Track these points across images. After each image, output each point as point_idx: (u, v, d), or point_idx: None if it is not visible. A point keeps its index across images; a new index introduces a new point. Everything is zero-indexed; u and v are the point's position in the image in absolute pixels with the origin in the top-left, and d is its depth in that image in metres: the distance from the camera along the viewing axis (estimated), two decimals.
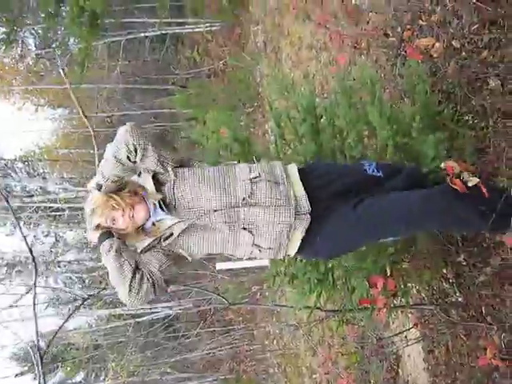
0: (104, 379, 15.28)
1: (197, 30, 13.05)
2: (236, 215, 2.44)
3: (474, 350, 3.48)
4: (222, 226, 2.45)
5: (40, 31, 14.26)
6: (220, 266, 3.38)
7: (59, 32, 13.58)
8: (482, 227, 2.62)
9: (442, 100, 3.44)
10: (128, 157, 2.39)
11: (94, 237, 2.50)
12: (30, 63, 17.60)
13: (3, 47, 12.70)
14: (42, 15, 11.36)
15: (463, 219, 2.50)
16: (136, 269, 2.38)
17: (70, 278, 16.55)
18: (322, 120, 3.29)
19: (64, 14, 11.40)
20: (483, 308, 3.30)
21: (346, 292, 3.59)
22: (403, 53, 3.82)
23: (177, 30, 13.35)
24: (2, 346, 14.47)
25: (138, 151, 2.39)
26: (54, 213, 15.31)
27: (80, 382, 17.58)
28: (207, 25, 12.69)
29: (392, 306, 3.59)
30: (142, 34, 13.00)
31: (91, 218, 2.47)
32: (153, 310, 11.71)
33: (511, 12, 2.91)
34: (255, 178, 2.47)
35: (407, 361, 4.85)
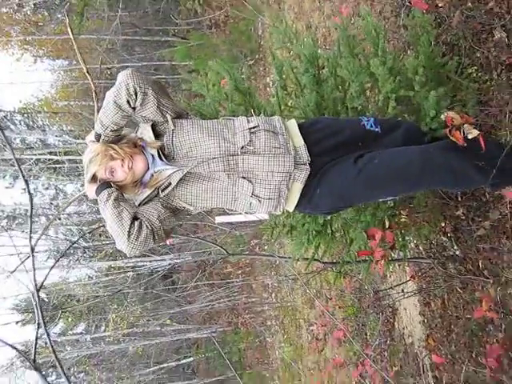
0: (105, 330, 15.53)
1: None
2: (235, 163, 2.44)
3: (469, 303, 3.53)
4: (220, 175, 2.45)
5: None
6: (219, 219, 3.40)
7: None
8: (482, 183, 2.62)
9: (446, 52, 3.38)
10: (128, 101, 2.36)
11: (91, 190, 2.50)
12: (29, 13, 17.32)
13: None
14: None
15: (462, 175, 2.50)
16: (135, 217, 2.38)
17: (71, 229, 16.63)
18: (324, 71, 3.24)
19: None
20: (480, 262, 3.33)
21: (344, 244, 3.61)
22: (408, 3, 3.74)
23: None
24: (4, 297, 14.62)
25: (138, 94, 2.36)
26: (53, 165, 15.29)
27: (81, 332, 17.86)
28: None
29: (390, 258, 3.61)
30: None
31: (89, 168, 2.47)
32: (152, 262, 11.83)
33: None
34: (254, 127, 2.48)
35: (403, 314, 4.92)
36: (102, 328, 15.89)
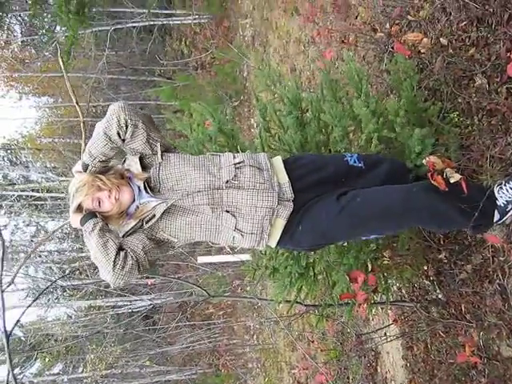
0: (82, 370, 15.20)
1: (185, 21, 13.02)
2: (219, 197, 2.45)
3: (452, 348, 3.50)
4: (204, 208, 2.46)
5: (26, 18, 14.12)
6: (201, 259, 3.37)
7: (46, 19, 13.47)
8: (464, 225, 2.62)
9: (428, 97, 3.43)
10: (118, 132, 2.39)
11: (76, 219, 2.49)
12: (16, 50, 17.42)
13: None
14: (29, 2, 11.23)
15: (444, 217, 2.50)
16: (120, 248, 2.38)
17: (51, 268, 16.41)
18: (307, 114, 3.27)
19: (51, 1, 11.30)
20: (463, 306, 3.31)
21: (326, 287, 3.58)
22: (391, 48, 3.81)
23: (165, 22, 13.28)
24: None
25: (129, 127, 2.39)
26: (36, 202, 15.18)
27: (58, 373, 17.47)
28: (195, 17, 12.65)
29: (372, 302, 3.59)
30: (130, 25, 12.92)
31: (75, 197, 2.47)
32: (132, 302, 11.68)
33: (499, 10, 2.90)
34: (239, 163, 2.50)
35: (386, 357, 4.87)
36: (80, 369, 15.55)
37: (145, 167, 2.53)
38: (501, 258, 2.96)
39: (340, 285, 3.28)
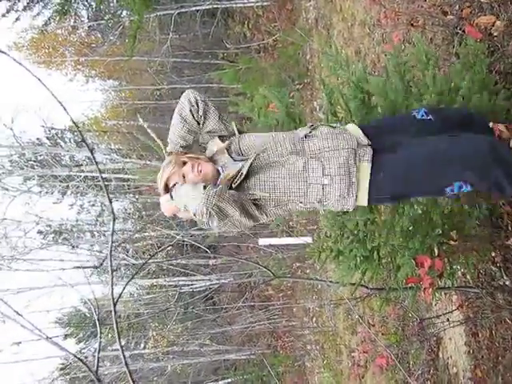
0: (144, 347, 15.63)
1: (248, 4, 13.01)
2: (301, 147, 2.53)
3: None
4: (290, 158, 2.51)
5: (93, 3, 14.44)
6: (263, 241, 3.43)
7: (112, 4, 13.74)
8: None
9: (498, 80, 3.36)
10: (191, 110, 2.53)
11: (165, 201, 2.59)
12: (83, 35, 17.85)
13: (57, 18, 12.93)
14: None
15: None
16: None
17: (114, 247, 16.83)
18: (373, 97, 3.27)
19: None
20: None
21: (390, 270, 3.59)
22: (461, 31, 3.74)
23: (228, 5, 13.31)
24: (48, 310, 14.87)
25: (200, 104, 2.54)
26: (100, 183, 15.57)
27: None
28: (258, 0, 12.63)
29: (437, 287, 3.57)
30: (194, 8, 13.03)
31: (162, 176, 2.59)
32: (193, 282, 11.91)
33: None
34: (312, 125, 2.65)
35: (448, 343, 4.83)
36: (142, 345, 15.99)
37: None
38: None
39: (405, 269, 3.28)
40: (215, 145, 2.64)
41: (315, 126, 2.61)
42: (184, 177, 2.54)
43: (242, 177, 2.47)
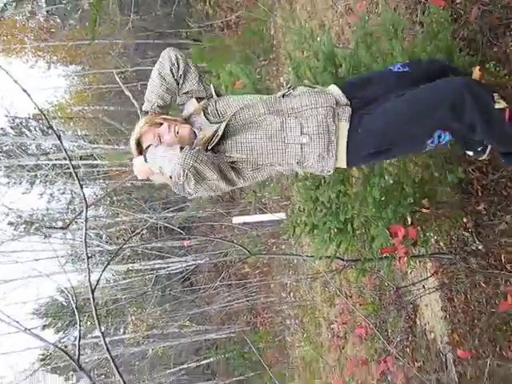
0: (124, 332, 15.61)
1: None
2: (278, 106, 2.47)
3: (492, 298, 3.52)
4: (266, 117, 2.45)
5: None
6: (236, 219, 3.42)
7: None
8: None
9: (463, 47, 3.38)
10: (171, 69, 2.48)
11: (139, 163, 2.53)
12: (41, 20, 17.46)
13: (14, 4, 12.61)
14: None
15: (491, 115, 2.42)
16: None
17: (88, 234, 16.69)
18: (341, 69, 3.26)
19: None
20: (503, 256, 3.32)
21: (365, 241, 3.62)
22: (424, 0, 3.74)
23: None
24: (24, 302, 14.73)
25: (181, 63, 2.49)
26: (69, 170, 15.39)
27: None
28: None
29: (412, 255, 3.62)
30: None
31: (134, 132, 2.53)
32: (169, 264, 11.89)
33: None
34: (291, 86, 2.59)
35: (425, 310, 4.91)
36: (121, 330, 15.98)
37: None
38: None
39: (379, 239, 3.31)
40: (192, 105, 2.57)
41: (294, 86, 2.56)
42: (159, 138, 2.47)
43: (218, 138, 2.39)
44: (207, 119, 2.50)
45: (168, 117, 2.52)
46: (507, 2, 3.04)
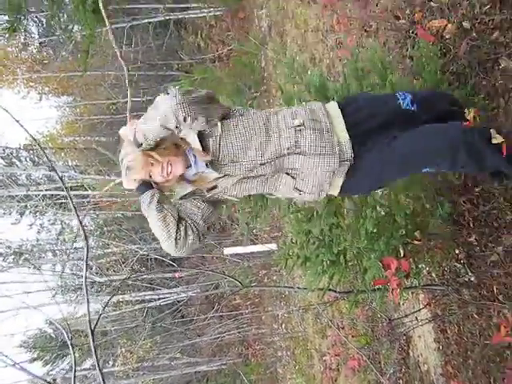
0: (113, 364, 15.39)
1: (200, 15, 12.99)
2: (281, 163, 2.46)
3: (486, 329, 3.51)
4: (267, 174, 2.51)
5: (43, 19, 14.23)
6: (228, 250, 3.42)
7: (62, 19, 13.56)
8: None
9: (452, 81, 3.44)
10: (176, 127, 2.31)
11: (130, 184, 2.48)
12: (34, 51, 17.58)
13: (6, 35, 12.68)
14: (46, 2, 11.31)
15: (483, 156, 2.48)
16: (179, 220, 2.39)
17: (77, 265, 16.60)
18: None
19: (67, 0, 11.38)
20: (495, 287, 3.33)
21: (357, 273, 3.62)
22: (413, 35, 3.81)
23: (180, 16, 13.27)
24: (12, 334, 14.54)
25: (188, 121, 2.30)
26: (59, 201, 15.35)
27: (89, 368, 17.71)
28: (211, 10, 12.63)
29: (404, 286, 3.62)
30: (146, 20, 12.94)
31: (128, 175, 2.44)
32: (160, 296, 11.80)
33: None
34: (299, 125, 2.46)
35: (418, 341, 4.89)
36: (110, 363, 15.75)
37: (203, 137, 2.43)
38: None
39: (372, 271, 3.31)
40: (192, 139, 2.42)
41: (301, 128, 2.44)
42: (151, 176, 2.44)
43: (217, 191, 2.50)
44: (207, 165, 2.45)
45: (160, 158, 2.39)
46: (495, 38, 3.09)
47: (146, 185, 2.45)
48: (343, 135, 2.48)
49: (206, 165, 2.43)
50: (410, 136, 2.47)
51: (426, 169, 2.58)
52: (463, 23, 3.30)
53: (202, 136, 2.43)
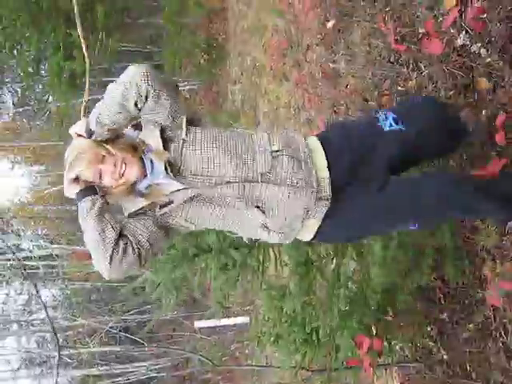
0: None
1: None
2: (250, 190, 2.11)
3: None
4: (231, 201, 2.13)
5: (18, 89, 14.38)
6: (199, 324, 3.38)
7: (37, 90, 13.74)
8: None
9: None
10: (136, 103, 2.01)
11: (71, 189, 2.11)
12: (8, 120, 17.66)
13: None
14: (21, 73, 11.46)
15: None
16: (120, 236, 2.03)
17: (44, 337, 16.18)
18: None
19: (43, 72, 11.55)
20: (468, 364, 3.32)
21: (331, 351, 3.59)
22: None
23: None
24: None
25: (150, 97, 2.02)
26: (28, 270, 15.11)
27: None
28: (185, 83, 12.92)
29: (377, 364, 3.59)
30: None
31: (73, 166, 2.07)
32: (129, 370, 11.52)
33: (479, 75, 3.03)
34: (277, 151, 2.16)
35: None
36: None
37: (165, 140, 2.12)
38: (503, 318, 2.99)
39: (345, 350, 3.30)
40: (153, 138, 2.13)
41: (278, 154, 2.14)
42: (100, 176, 2.08)
43: (172, 206, 2.12)
44: (166, 168, 2.08)
45: (113, 152, 2.07)
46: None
47: (90, 191, 2.08)
48: (323, 168, 2.19)
49: (165, 169, 2.07)
50: (395, 190, 2.20)
51: (414, 226, 2.29)
52: None
53: (163, 139, 2.12)
